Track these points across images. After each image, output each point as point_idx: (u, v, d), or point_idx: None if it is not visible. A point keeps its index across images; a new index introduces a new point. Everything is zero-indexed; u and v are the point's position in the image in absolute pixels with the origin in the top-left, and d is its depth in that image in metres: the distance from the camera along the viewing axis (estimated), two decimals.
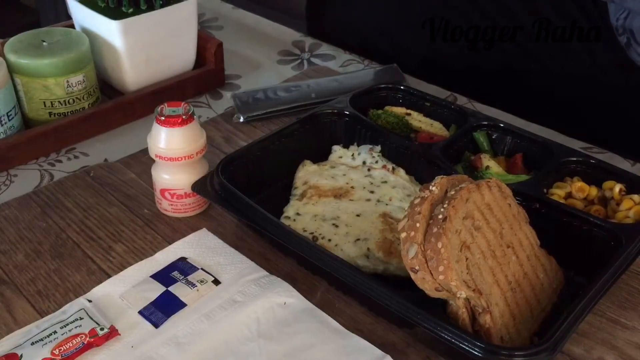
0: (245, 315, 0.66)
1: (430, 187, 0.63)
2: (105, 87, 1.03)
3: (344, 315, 0.69)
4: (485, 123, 0.87)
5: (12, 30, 1.03)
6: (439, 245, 0.59)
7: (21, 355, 0.62)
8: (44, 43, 0.93)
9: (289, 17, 1.46)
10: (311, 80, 1.06)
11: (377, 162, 0.84)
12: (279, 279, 0.71)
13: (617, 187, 0.76)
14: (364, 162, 0.85)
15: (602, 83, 1.08)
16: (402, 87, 0.95)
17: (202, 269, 0.72)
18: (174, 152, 0.76)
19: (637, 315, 0.69)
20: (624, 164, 0.90)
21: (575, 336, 0.66)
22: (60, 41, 0.94)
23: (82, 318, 0.65)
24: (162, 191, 0.79)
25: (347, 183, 0.81)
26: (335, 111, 0.89)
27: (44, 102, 0.92)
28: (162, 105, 0.77)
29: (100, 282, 0.71)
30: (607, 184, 0.78)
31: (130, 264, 0.73)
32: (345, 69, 1.14)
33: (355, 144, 0.88)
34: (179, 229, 0.79)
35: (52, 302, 0.70)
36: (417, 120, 0.91)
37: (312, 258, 0.68)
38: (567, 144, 0.84)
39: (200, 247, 0.75)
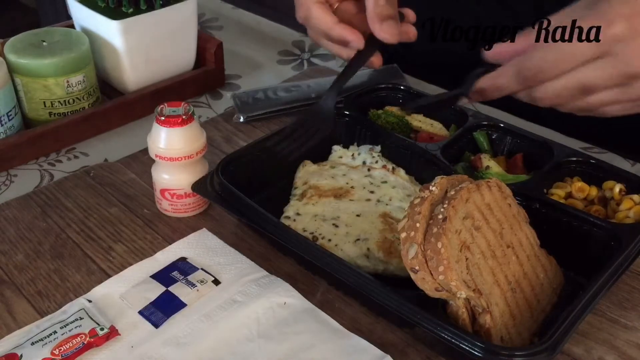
0: (245, 315, 0.66)
1: (430, 187, 0.63)
2: (105, 87, 1.03)
3: (344, 315, 0.69)
4: (485, 123, 0.87)
5: (12, 30, 1.03)
6: (439, 245, 0.59)
7: (21, 355, 0.62)
8: (44, 43, 0.93)
9: (289, 17, 1.46)
10: (311, 80, 1.06)
11: (377, 162, 0.84)
12: (279, 279, 0.71)
13: (617, 187, 0.76)
14: (364, 162, 0.85)
15: None
16: (402, 87, 0.95)
17: (202, 269, 0.72)
18: (174, 152, 0.76)
19: (637, 315, 0.69)
20: (624, 164, 0.89)
21: (575, 336, 0.66)
22: (60, 41, 0.94)
23: (82, 318, 0.65)
24: (162, 191, 0.79)
25: (347, 183, 0.81)
26: (335, 111, 0.89)
27: (44, 102, 0.92)
28: (162, 105, 0.77)
29: (100, 282, 0.71)
30: (607, 184, 0.78)
31: (130, 264, 0.73)
32: None
33: (355, 144, 0.88)
34: (179, 229, 0.79)
35: (52, 302, 0.70)
36: (417, 120, 0.91)
37: (312, 258, 0.68)
38: (567, 144, 0.84)
39: (200, 247, 0.75)
